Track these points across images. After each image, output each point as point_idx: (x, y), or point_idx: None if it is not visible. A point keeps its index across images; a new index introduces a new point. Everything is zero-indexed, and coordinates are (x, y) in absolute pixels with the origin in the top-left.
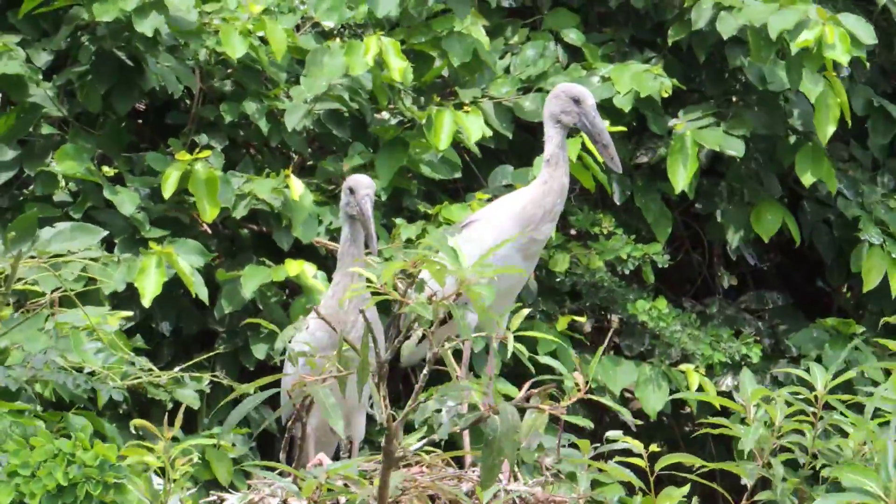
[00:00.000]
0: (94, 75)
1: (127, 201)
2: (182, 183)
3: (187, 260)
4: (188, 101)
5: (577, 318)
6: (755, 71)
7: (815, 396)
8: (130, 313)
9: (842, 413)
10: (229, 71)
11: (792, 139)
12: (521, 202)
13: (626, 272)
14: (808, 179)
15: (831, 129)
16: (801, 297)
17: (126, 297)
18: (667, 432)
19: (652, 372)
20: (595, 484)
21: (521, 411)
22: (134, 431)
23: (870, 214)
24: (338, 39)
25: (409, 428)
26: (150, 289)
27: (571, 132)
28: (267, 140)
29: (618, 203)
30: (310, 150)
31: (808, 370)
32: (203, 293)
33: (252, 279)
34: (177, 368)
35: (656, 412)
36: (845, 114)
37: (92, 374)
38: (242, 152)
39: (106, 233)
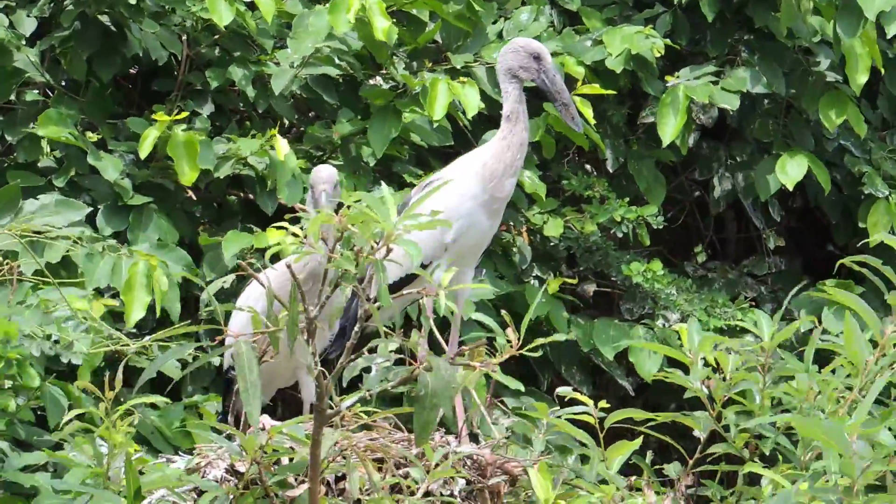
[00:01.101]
0: (77, 41)
1: (110, 167)
2: (165, 149)
3: (174, 269)
4: (176, 69)
5: (568, 280)
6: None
7: (762, 347)
8: (116, 302)
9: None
10: (216, 37)
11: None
12: (481, 159)
13: (620, 235)
14: (832, 123)
15: (863, 78)
16: (813, 262)
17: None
18: (667, 396)
19: (647, 335)
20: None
21: None
22: (79, 393)
23: (877, 170)
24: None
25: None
26: (135, 312)
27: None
28: (254, 106)
29: (610, 170)
30: (299, 116)
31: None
32: (174, 309)
33: (233, 245)
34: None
35: (651, 375)
36: (877, 62)
37: (58, 341)
38: (230, 119)
39: (89, 209)
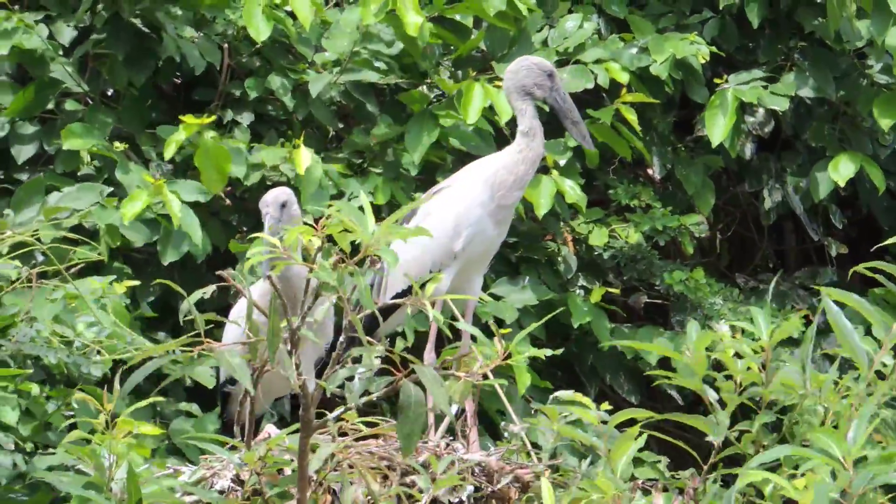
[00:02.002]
0: (110, 44)
1: (137, 179)
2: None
3: (185, 196)
4: (218, 78)
5: (612, 290)
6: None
7: (762, 346)
8: (137, 282)
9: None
10: (257, 47)
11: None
12: (493, 167)
13: (662, 243)
14: (886, 123)
15: None
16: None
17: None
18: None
19: None
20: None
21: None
22: (76, 405)
23: None
24: None
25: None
26: (132, 210)
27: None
28: (294, 114)
29: (657, 177)
30: (342, 125)
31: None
32: (194, 230)
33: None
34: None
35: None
36: None
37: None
38: (270, 128)
39: (110, 189)
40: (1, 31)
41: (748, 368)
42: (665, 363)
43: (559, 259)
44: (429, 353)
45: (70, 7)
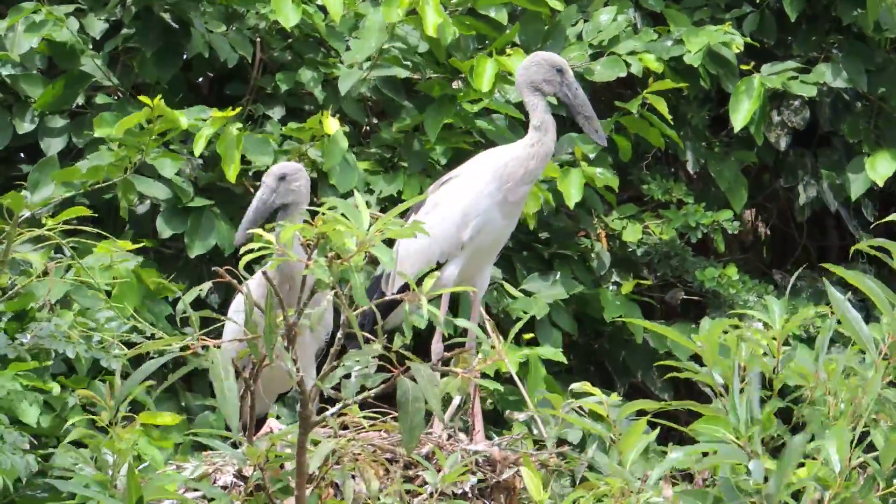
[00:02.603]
0: (140, 39)
1: (168, 164)
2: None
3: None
4: (249, 72)
5: (642, 281)
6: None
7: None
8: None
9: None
10: (289, 41)
11: None
12: (503, 158)
13: (694, 240)
14: None
15: None
16: None
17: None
18: None
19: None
20: None
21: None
22: (79, 402)
23: None
24: None
25: None
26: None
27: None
28: (324, 108)
29: (691, 171)
30: (371, 119)
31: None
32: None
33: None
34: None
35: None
36: None
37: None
38: (302, 122)
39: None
40: (30, 24)
41: (764, 355)
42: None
43: (592, 255)
44: (436, 343)
45: (101, 1)
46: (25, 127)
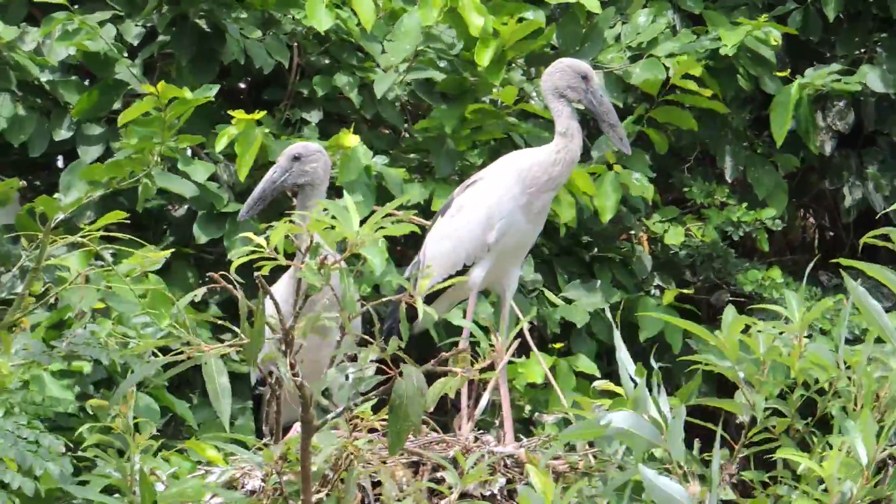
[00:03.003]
0: (175, 46)
1: (201, 170)
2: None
3: None
4: (287, 78)
5: (685, 290)
6: None
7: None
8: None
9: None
10: (326, 46)
11: None
12: (528, 162)
13: (736, 238)
14: None
15: None
16: None
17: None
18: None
19: None
20: None
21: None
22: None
23: None
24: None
25: None
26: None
27: None
28: (361, 112)
29: (728, 179)
30: (409, 122)
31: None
32: None
33: None
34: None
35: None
36: None
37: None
38: (339, 127)
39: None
40: (62, 33)
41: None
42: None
43: (634, 258)
44: (464, 342)
45: (138, 7)
46: (63, 134)
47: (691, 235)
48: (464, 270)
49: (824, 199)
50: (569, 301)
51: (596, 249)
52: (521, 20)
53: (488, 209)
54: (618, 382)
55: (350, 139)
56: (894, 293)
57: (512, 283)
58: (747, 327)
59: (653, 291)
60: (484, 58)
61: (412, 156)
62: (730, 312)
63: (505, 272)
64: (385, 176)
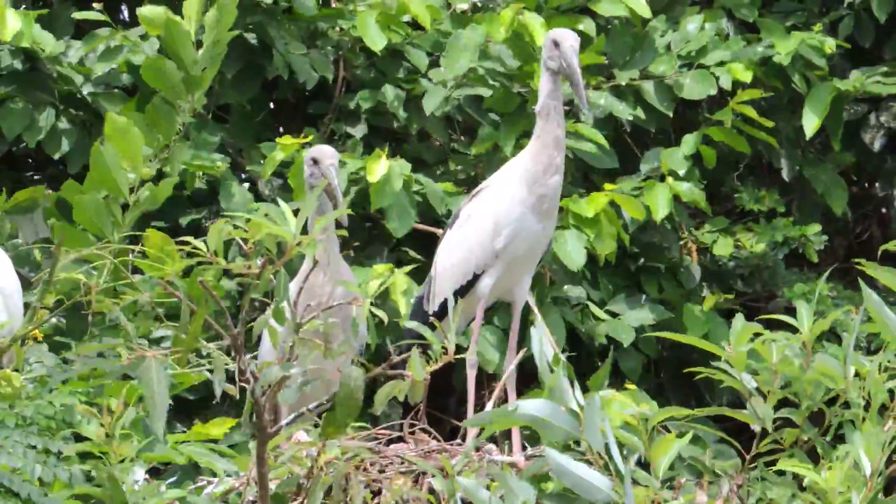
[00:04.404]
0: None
1: (237, 195)
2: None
3: None
4: (333, 91)
5: (727, 295)
6: None
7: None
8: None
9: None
10: (372, 60)
11: None
12: (522, 163)
13: (781, 256)
14: None
15: None
16: None
17: None
18: None
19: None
20: None
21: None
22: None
23: None
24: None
25: None
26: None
27: None
28: (407, 128)
29: (786, 179)
30: (455, 137)
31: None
32: None
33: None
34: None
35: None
36: None
37: None
38: (385, 141)
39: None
40: (104, 51)
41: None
42: None
43: (682, 269)
44: (471, 354)
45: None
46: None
47: (741, 247)
48: (474, 280)
49: (875, 204)
50: (614, 315)
51: (643, 260)
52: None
53: (496, 215)
54: (660, 393)
55: (377, 168)
56: None
57: (523, 293)
58: (758, 335)
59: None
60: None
61: (459, 167)
62: (738, 322)
63: (516, 281)
64: (427, 188)
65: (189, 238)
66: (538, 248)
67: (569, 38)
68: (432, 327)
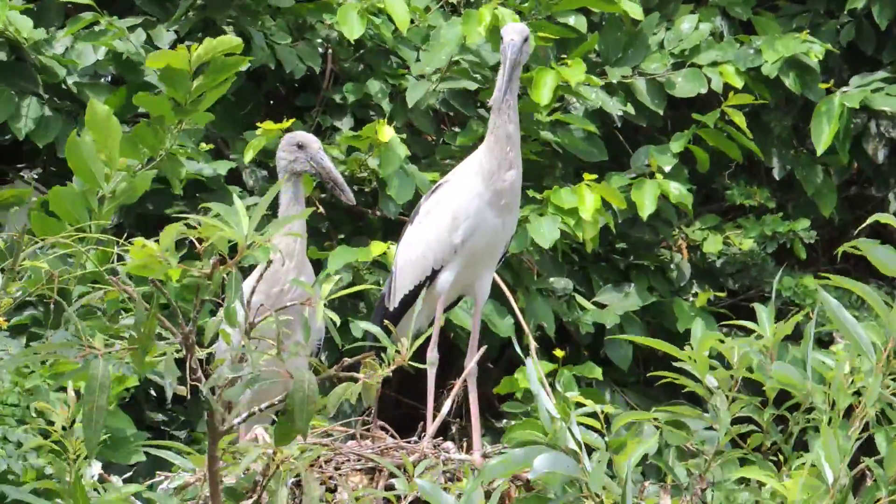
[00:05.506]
0: None
1: (222, 167)
2: None
3: None
4: (320, 83)
5: (718, 293)
6: None
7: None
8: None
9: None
10: (360, 52)
11: None
12: (478, 157)
13: (770, 251)
14: None
15: None
16: None
17: None
18: None
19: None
20: None
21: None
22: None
23: None
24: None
25: None
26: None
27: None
28: (392, 120)
29: (777, 178)
30: (441, 130)
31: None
32: None
33: (338, 259)
34: None
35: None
36: None
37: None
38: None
39: None
40: (88, 33)
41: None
42: None
43: (671, 266)
44: (431, 351)
45: (171, 12)
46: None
47: (730, 244)
48: (433, 276)
49: (870, 206)
50: (601, 306)
51: (632, 257)
52: (562, 25)
53: (454, 209)
54: (650, 386)
55: (385, 132)
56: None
57: (485, 289)
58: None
59: (690, 299)
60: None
61: (448, 161)
62: (698, 327)
63: (477, 276)
64: (416, 178)
65: (141, 239)
66: (497, 244)
67: (509, 33)
68: (387, 330)
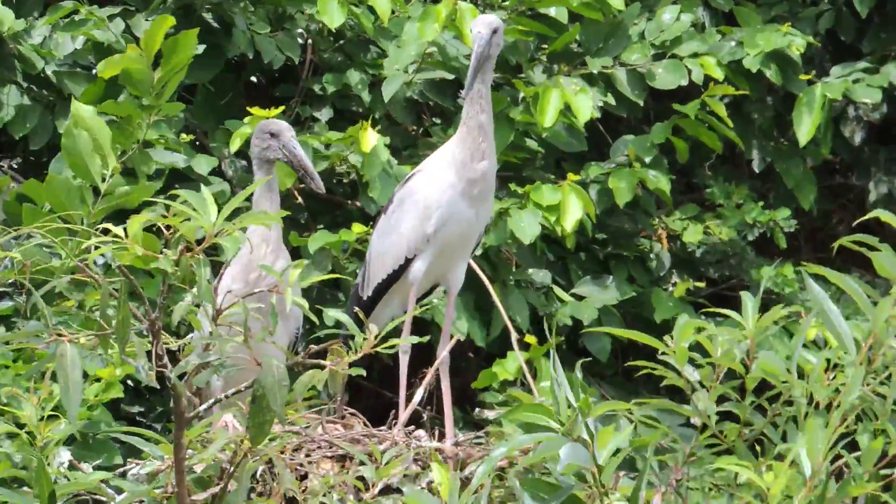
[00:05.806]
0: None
1: (204, 163)
2: None
3: None
4: (300, 74)
5: (698, 283)
6: None
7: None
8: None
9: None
10: (341, 42)
11: None
12: (451, 148)
13: (751, 238)
14: None
15: None
16: None
17: None
18: None
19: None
20: None
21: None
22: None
23: None
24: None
25: None
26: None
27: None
28: (371, 111)
29: (756, 171)
30: (422, 121)
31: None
32: None
33: (318, 241)
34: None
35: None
36: None
37: None
38: (350, 124)
39: None
40: (68, 22)
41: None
42: None
43: (651, 256)
44: (405, 339)
45: (149, 1)
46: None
47: (710, 233)
48: (406, 265)
49: (851, 194)
50: (580, 298)
51: (611, 247)
52: (542, 17)
53: (426, 199)
54: (628, 378)
55: (369, 138)
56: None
57: (458, 278)
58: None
59: (670, 288)
60: None
61: (429, 153)
62: (682, 318)
63: (450, 267)
64: (395, 171)
65: (109, 225)
66: (471, 234)
67: (477, 25)
68: (358, 319)
